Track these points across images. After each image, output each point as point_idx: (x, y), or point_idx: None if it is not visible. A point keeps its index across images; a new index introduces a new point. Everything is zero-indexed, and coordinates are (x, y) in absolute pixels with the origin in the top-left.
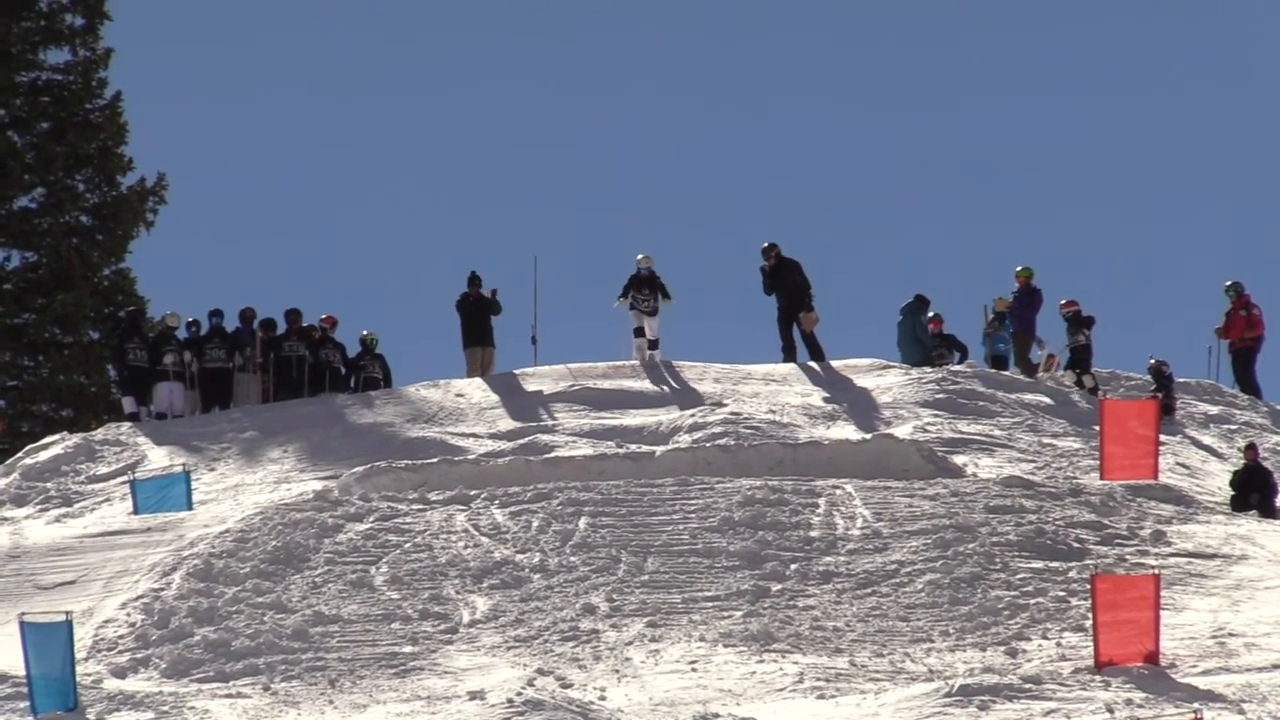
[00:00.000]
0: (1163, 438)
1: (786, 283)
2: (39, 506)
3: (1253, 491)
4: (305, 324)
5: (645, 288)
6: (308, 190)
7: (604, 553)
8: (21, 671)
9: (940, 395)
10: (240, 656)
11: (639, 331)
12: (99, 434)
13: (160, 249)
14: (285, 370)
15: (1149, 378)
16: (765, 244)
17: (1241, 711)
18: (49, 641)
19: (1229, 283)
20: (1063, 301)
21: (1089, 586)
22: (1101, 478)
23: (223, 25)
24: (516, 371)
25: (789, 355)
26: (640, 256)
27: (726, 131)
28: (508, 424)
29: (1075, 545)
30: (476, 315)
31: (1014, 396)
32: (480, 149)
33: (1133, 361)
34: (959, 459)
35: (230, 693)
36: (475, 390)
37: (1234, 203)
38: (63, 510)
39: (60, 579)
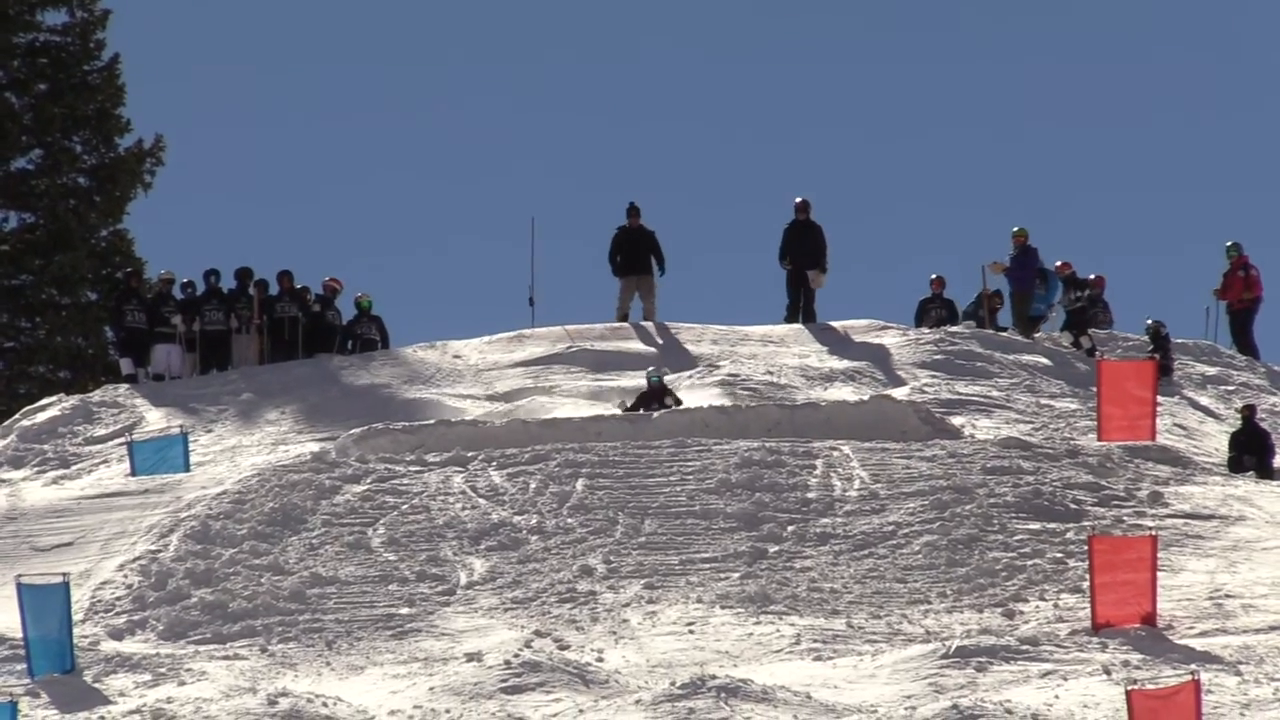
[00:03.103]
0: (1160, 399)
1: (805, 242)
2: (36, 468)
3: (1250, 452)
4: (299, 285)
5: (654, 403)
6: (304, 151)
7: (601, 514)
8: (19, 634)
9: (938, 356)
10: (237, 618)
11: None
12: (96, 395)
13: (158, 210)
14: (279, 332)
15: (1146, 339)
16: (799, 199)
17: (1239, 673)
18: (46, 603)
19: (1228, 243)
20: (1058, 263)
21: (1086, 548)
22: (1099, 439)
23: None
24: (513, 333)
25: (793, 316)
26: (650, 369)
27: (725, 94)
28: (505, 385)
29: (1072, 506)
30: (633, 246)
31: (1011, 357)
32: (478, 111)
33: (1130, 322)
34: (956, 420)
35: (227, 654)
36: (472, 352)
37: (1233, 163)
38: (60, 472)
39: (57, 541)
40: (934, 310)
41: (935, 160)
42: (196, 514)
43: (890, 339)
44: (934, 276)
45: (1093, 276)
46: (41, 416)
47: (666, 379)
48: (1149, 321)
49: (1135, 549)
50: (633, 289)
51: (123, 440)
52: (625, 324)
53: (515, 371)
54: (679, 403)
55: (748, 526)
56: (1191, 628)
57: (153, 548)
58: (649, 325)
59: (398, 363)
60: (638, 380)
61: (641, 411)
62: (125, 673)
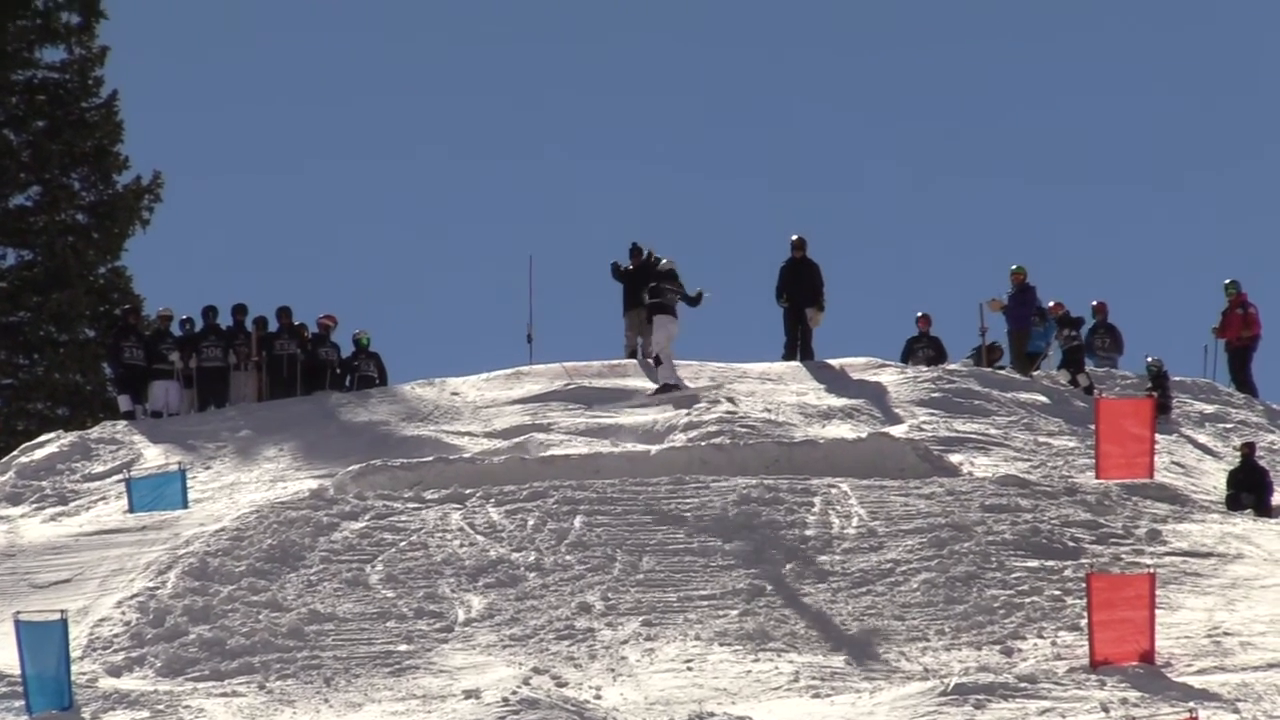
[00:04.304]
0: (1158, 437)
1: (802, 280)
2: (34, 505)
3: (1248, 490)
4: (297, 322)
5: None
6: (302, 189)
7: (599, 551)
8: (17, 670)
9: (936, 394)
10: (235, 655)
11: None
12: (94, 432)
13: (156, 247)
14: (277, 369)
15: (1144, 375)
16: (795, 237)
17: (1236, 710)
18: (44, 640)
19: (1227, 281)
20: (1050, 303)
21: (1084, 585)
22: (1097, 476)
23: (218, 24)
24: (511, 370)
25: (791, 353)
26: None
27: (722, 132)
28: (503, 422)
29: (1071, 544)
30: (638, 281)
31: (1009, 395)
32: (474, 149)
33: (1129, 360)
34: (955, 458)
35: (225, 691)
36: (470, 389)
37: (1232, 201)
38: (58, 509)
39: (55, 577)
40: (920, 350)
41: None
42: (195, 551)
43: (888, 377)
44: (920, 314)
45: (1095, 303)
46: (40, 453)
47: (667, 413)
48: (1149, 360)
49: (1133, 587)
50: (636, 324)
51: (121, 477)
52: (624, 361)
53: (513, 409)
54: (684, 293)
55: (746, 564)
56: (1190, 665)
57: (151, 584)
58: (648, 362)
59: (396, 400)
60: (635, 418)
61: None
62: (123, 710)
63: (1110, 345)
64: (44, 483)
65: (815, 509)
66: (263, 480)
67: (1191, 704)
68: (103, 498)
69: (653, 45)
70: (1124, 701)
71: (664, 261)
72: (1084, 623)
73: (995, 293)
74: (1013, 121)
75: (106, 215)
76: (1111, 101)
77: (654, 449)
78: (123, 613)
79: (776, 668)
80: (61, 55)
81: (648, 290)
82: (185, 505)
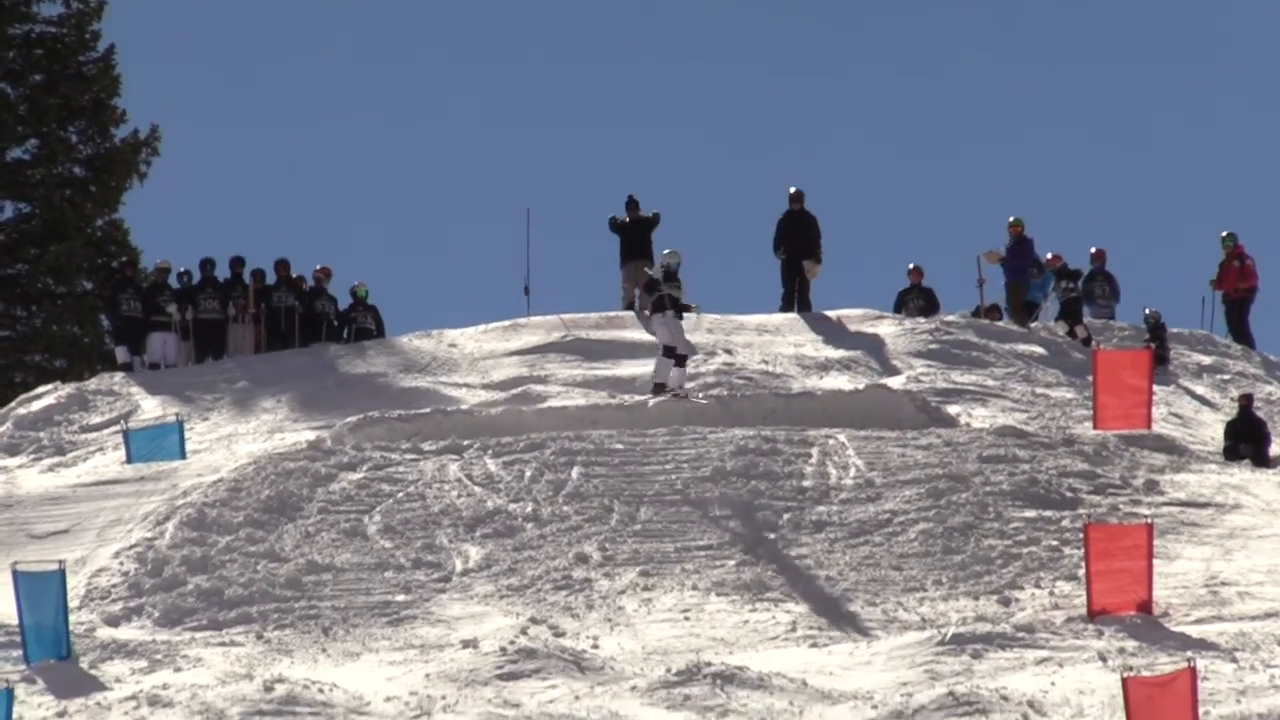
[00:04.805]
0: (1156, 388)
1: (799, 232)
2: (32, 456)
3: (1246, 441)
4: (295, 274)
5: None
6: (299, 141)
7: (596, 502)
8: (14, 620)
9: (934, 345)
10: (233, 605)
11: (669, 350)
12: (92, 384)
13: (153, 200)
14: (275, 321)
15: (1142, 326)
16: (793, 189)
17: (1234, 660)
18: (42, 590)
19: (1224, 233)
20: (1049, 255)
21: (1082, 535)
22: (1095, 427)
23: None
24: (509, 322)
25: (788, 305)
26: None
27: (721, 85)
28: (500, 374)
29: (1068, 494)
30: (635, 234)
31: (1007, 347)
32: (474, 102)
33: (1127, 312)
34: (952, 409)
35: (223, 641)
36: (468, 340)
37: (1229, 153)
38: (56, 460)
39: (53, 528)
40: (911, 301)
41: (927, 151)
42: (192, 501)
43: (885, 328)
44: (912, 266)
45: (1093, 250)
46: (37, 404)
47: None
48: (1146, 311)
49: (1131, 537)
50: (634, 277)
51: (118, 428)
52: (621, 313)
53: (511, 360)
54: (676, 299)
55: (743, 514)
56: (1187, 615)
57: (149, 535)
58: (644, 315)
59: (393, 351)
60: (633, 369)
61: (650, 298)
62: (121, 659)
63: (1109, 293)
64: (42, 434)
65: (812, 460)
66: (260, 431)
67: (1189, 654)
68: (100, 449)
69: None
70: (1122, 651)
71: (665, 253)
72: (1081, 573)
73: (993, 245)
74: (1010, 71)
75: (104, 168)
76: (1110, 49)
77: (651, 400)
78: (120, 563)
79: (774, 617)
80: (59, 9)
81: (645, 287)
82: (183, 456)
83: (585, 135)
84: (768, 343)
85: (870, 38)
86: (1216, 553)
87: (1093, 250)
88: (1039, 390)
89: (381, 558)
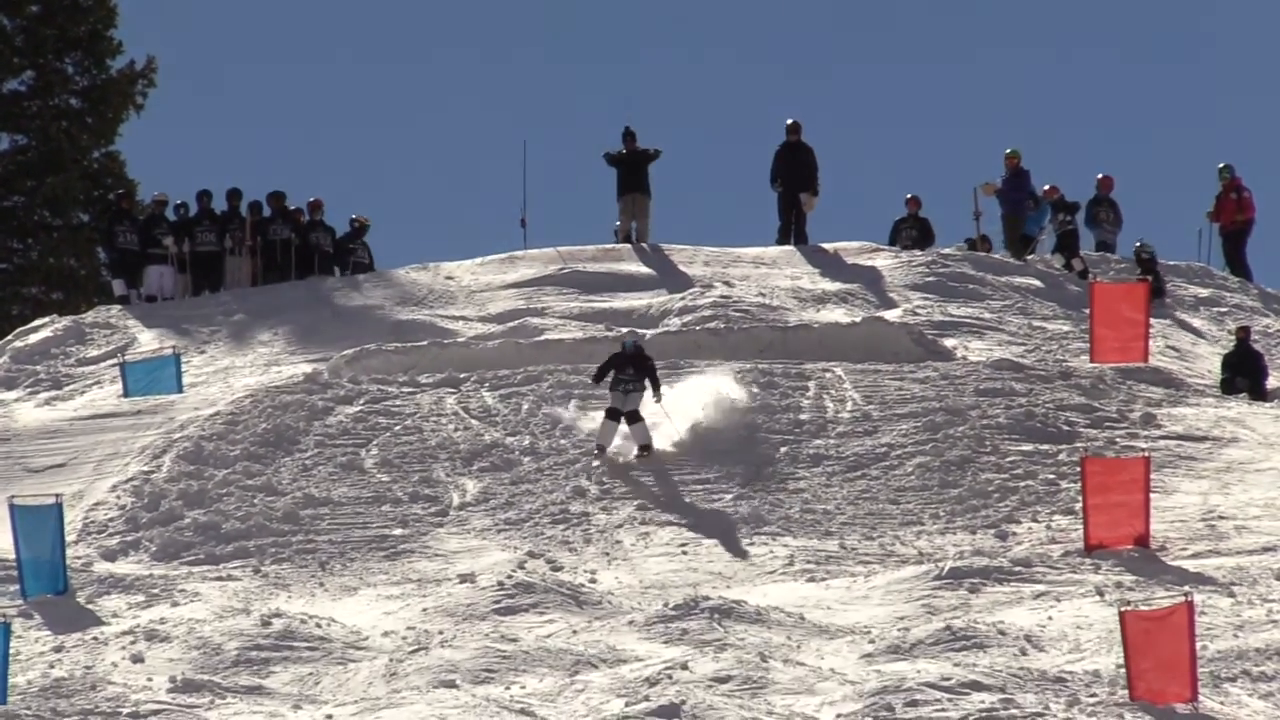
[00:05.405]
0: (1153, 321)
1: (796, 165)
2: (29, 389)
3: (1243, 374)
4: (291, 207)
5: (629, 368)
6: (295, 73)
7: (594, 436)
8: (11, 555)
9: (930, 278)
10: (230, 539)
11: (614, 413)
12: (89, 317)
13: (149, 132)
14: (271, 254)
15: (1134, 262)
16: (790, 121)
17: (1231, 594)
18: (39, 525)
19: (1221, 165)
20: (1046, 187)
21: (1079, 469)
22: (1091, 361)
23: None
24: (506, 255)
25: (785, 238)
26: (625, 331)
27: (720, 16)
28: (497, 307)
29: (1065, 428)
30: (632, 166)
31: (1004, 280)
32: (470, 34)
33: (1124, 242)
34: (949, 342)
35: (220, 575)
36: (464, 273)
37: (1225, 85)
38: (52, 393)
39: (50, 462)
40: (906, 230)
41: (924, 82)
42: (189, 435)
43: (882, 261)
44: (909, 196)
45: (1100, 176)
46: (34, 338)
47: (661, 298)
48: (1137, 244)
49: (1128, 470)
50: (630, 209)
51: (115, 361)
52: (618, 246)
53: (508, 293)
54: (653, 370)
55: (740, 448)
56: (1184, 549)
57: (145, 469)
58: (642, 247)
59: (390, 284)
60: (630, 302)
61: (610, 376)
62: (118, 593)
63: (1114, 219)
64: (38, 367)
65: (810, 393)
66: (257, 364)
67: (1186, 588)
68: (97, 382)
69: None
70: (1119, 585)
71: (625, 331)
72: (1078, 507)
73: (990, 177)
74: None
75: (100, 100)
76: None
77: (649, 333)
78: (117, 497)
79: (771, 552)
80: None
81: (615, 371)
82: (180, 389)
83: (582, 66)
84: (764, 276)
85: None
86: (1214, 487)
87: (1099, 176)
88: (1035, 323)
89: (378, 491)
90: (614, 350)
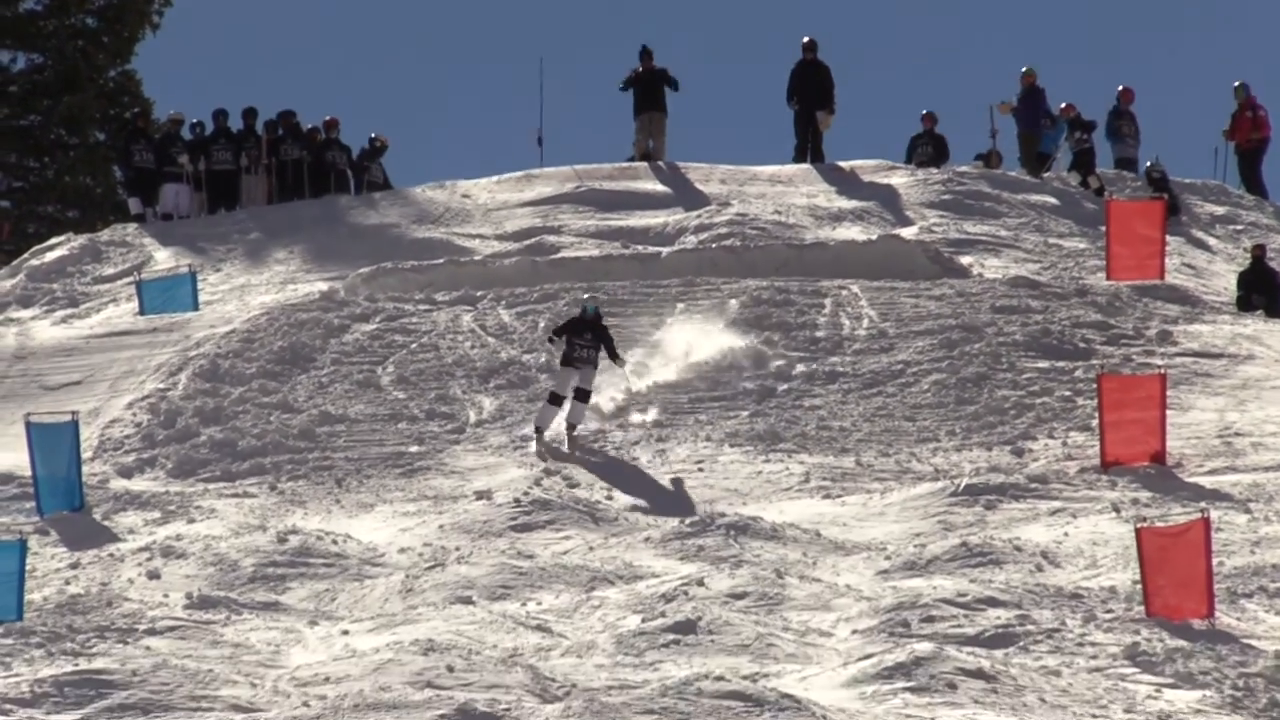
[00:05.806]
0: (1169, 238)
1: (812, 83)
2: (45, 307)
3: (1259, 291)
4: (307, 127)
5: (588, 333)
6: None
7: None
8: (28, 471)
9: (946, 196)
10: (246, 456)
11: (555, 398)
12: (105, 235)
13: (165, 51)
14: (283, 173)
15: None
16: (806, 39)
17: (1248, 511)
18: (55, 441)
19: (1236, 83)
20: (1063, 105)
21: (1095, 386)
22: (1108, 278)
23: None
24: (522, 173)
25: (801, 156)
26: (586, 295)
27: None
28: (514, 225)
29: (1081, 345)
30: (649, 84)
31: (1020, 197)
32: None
33: (1141, 160)
34: (965, 259)
35: (237, 492)
36: (481, 191)
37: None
38: (69, 311)
39: (66, 379)
40: (921, 146)
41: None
42: (205, 352)
43: (898, 179)
44: (925, 112)
45: (1121, 88)
46: (50, 256)
47: (677, 216)
48: (1149, 163)
49: (1144, 387)
50: (646, 127)
51: (131, 279)
52: (635, 164)
53: (524, 211)
54: (609, 337)
55: (756, 365)
56: (1201, 466)
57: (161, 386)
58: (659, 165)
59: (406, 203)
60: (646, 220)
61: (567, 340)
62: (135, 510)
63: (1135, 131)
64: (55, 285)
65: (826, 310)
66: (273, 282)
67: (1203, 504)
68: (113, 300)
69: None
70: (1135, 502)
71: (586, 296)
72: (1095, 423)
73: (1006, 95)
74: None
75: (116, 19)
76: None
77: (665, 251)
78: (134, 414)
79: (787, 468)
80: None
81: (571, 335)
82: (196, 307)
83: None
84: (781, 193)
85: None
86: (1230, 403)
87: (1120, 88)
88: (1051, 241)
89: (395, 409)
90: (572, 317)
